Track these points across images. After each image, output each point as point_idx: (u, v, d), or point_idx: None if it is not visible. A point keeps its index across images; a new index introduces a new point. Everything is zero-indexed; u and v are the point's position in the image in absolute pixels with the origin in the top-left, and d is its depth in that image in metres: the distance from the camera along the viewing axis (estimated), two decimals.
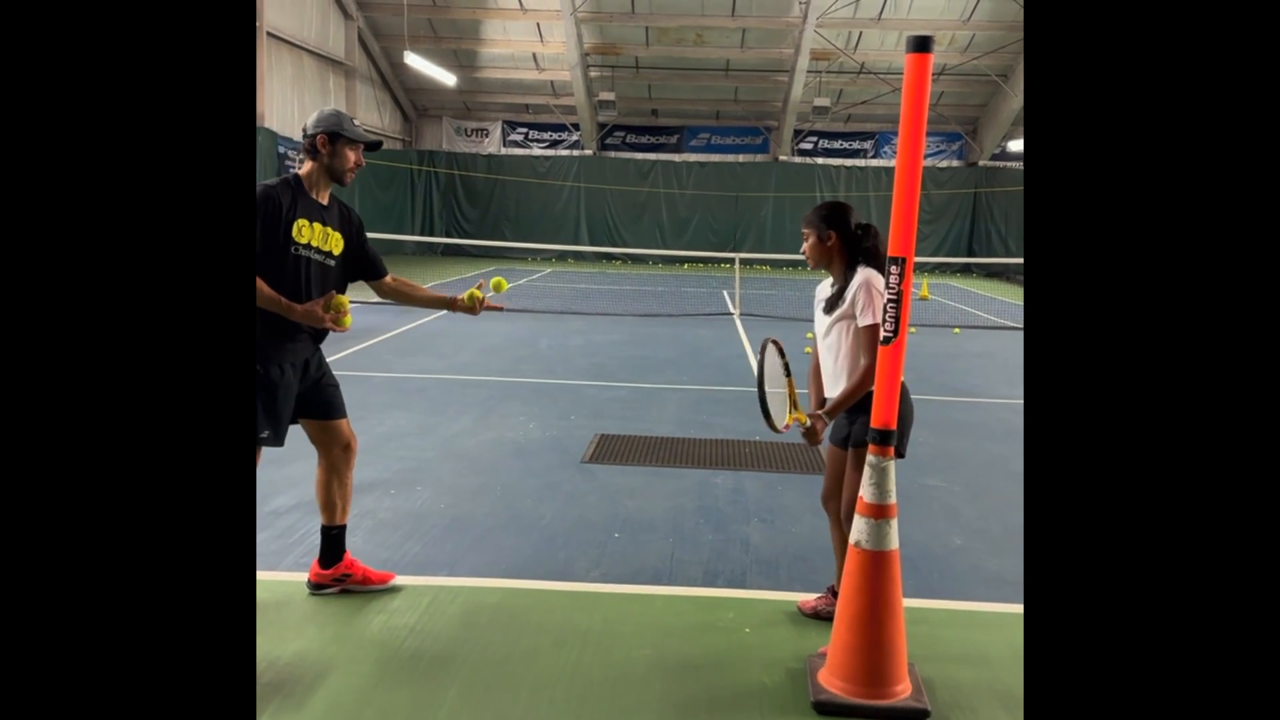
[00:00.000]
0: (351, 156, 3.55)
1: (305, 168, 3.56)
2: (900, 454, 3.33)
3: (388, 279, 3.85)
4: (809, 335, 3.66)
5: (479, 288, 3.81)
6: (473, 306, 3.80)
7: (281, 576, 3.93)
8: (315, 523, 3.78)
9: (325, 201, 3.59)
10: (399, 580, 3.87)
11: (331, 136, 3.51)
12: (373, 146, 3.64)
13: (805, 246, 3.53)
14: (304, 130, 3.57)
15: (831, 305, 3.44)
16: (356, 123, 3.59)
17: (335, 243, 3.60)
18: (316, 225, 3.51)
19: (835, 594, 3.65)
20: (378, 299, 13.75)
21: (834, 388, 3.43)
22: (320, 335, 3.63)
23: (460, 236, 25.35)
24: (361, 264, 3.77)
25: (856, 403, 3.35)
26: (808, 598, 3.77)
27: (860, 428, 3.37)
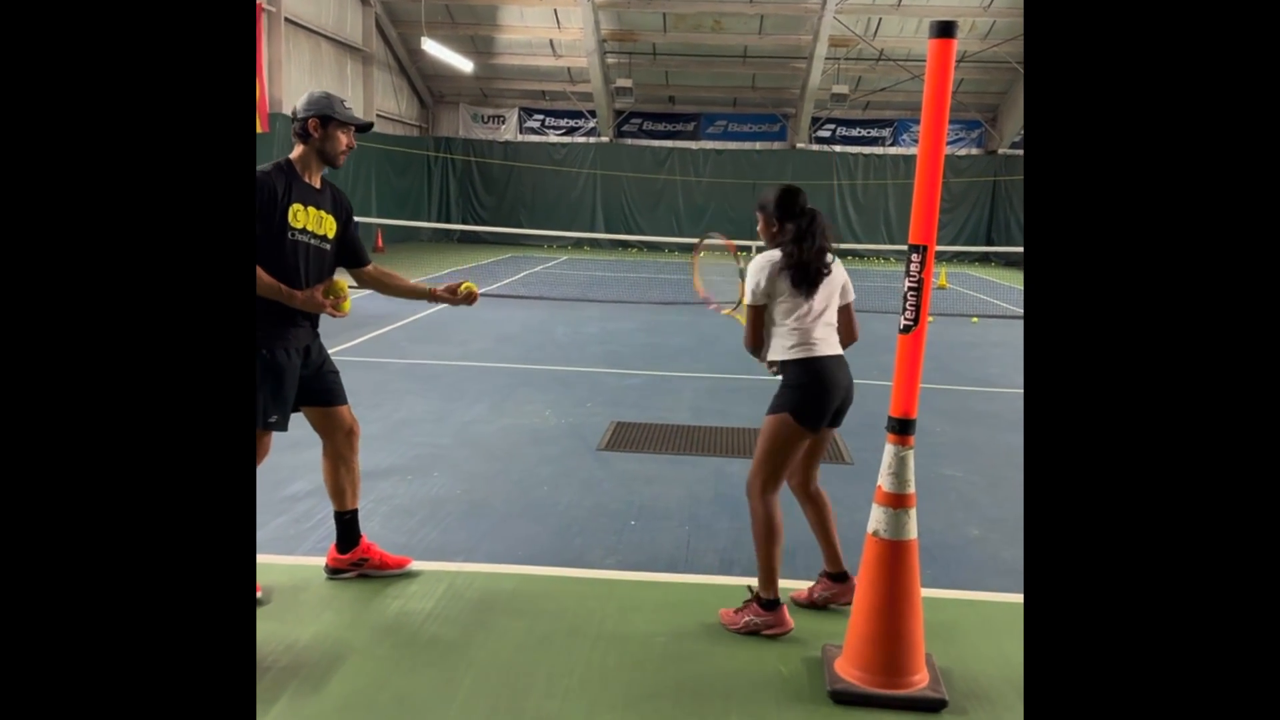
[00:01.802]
0: (343, 139, 3.53)
1: (296, 151, 3.54)
2: (802, 419, 3.42)
3: (369, 268, 3.82)
4: None
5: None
6: (465, 297, 3.80)
7: (299, 561, 3.95)
8: (331, 508, 3.80)
9: (318, 185, 3.57)
10: (415, 565, 3.88)
11: (323, 119, 3.48)
12: (363, 128, 3.62)
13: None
14: (293, 113, 3.54)
15: None
16: (347, 104, 3.57)
17: (329, 226, 3.59)
18: (311, 209, 3.50)
19: (831, 578, 3.68)
20: None
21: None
22: (317, 320, 3.63)
23: (476, 223, 25.37)
24: (346, 249, 3.74)
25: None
26: (802, 592, 3.76)
27: (782, 396, 3.49)
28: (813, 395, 3.40)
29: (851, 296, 3.59)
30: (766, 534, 3.43)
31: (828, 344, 3.46)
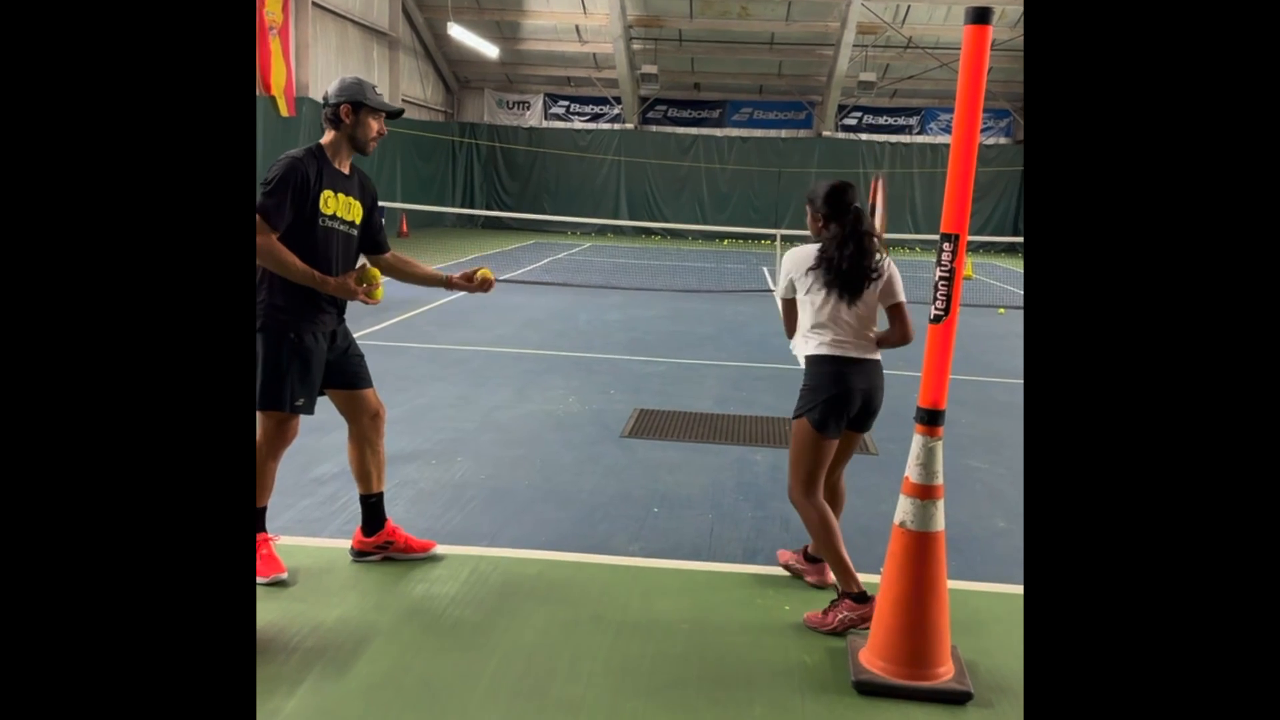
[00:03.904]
0: (374, 125, 3.53)
1: (328, 137, 3.54)
2: (819, 427, 3.43)
3: (388, 255, 3.82)
4: None
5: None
6: (481, 283, 3.78)
7: (325, 543, 3.97)
8: (356, 491, 3.82)
9: (347, 171, 3.58)
10: (440, 549, 3.90)
11: (355, 106, 3.47)
12: (394, 114, 3.62)
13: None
14: (325, 99, 3.54)
15: None
16: (378, 90, 3.57)
17: (356, 212, 3.60)
18: (341, 195, 3.51)
19: (808, 558, 3.79)
20: None
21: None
22: (344, 306, 3.63)
23: (500, 209, 25.41)
24: (369, 235, 3.74)
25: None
26: (787, 551, 3.93)
27: (802, 400, 3.50)
28: (826, 398, 3.41)
29: (899, 298, 3.50)
30: (824, 531, 3.42)
31: (853, 346, 3.44)
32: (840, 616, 3.36)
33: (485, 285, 3.81)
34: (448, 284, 3.81)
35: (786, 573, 3.86)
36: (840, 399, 3.41)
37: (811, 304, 3.46)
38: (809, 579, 3.76)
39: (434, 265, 13.77)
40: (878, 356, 3.51)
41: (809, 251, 3.47)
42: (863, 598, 3.36)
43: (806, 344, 3.50)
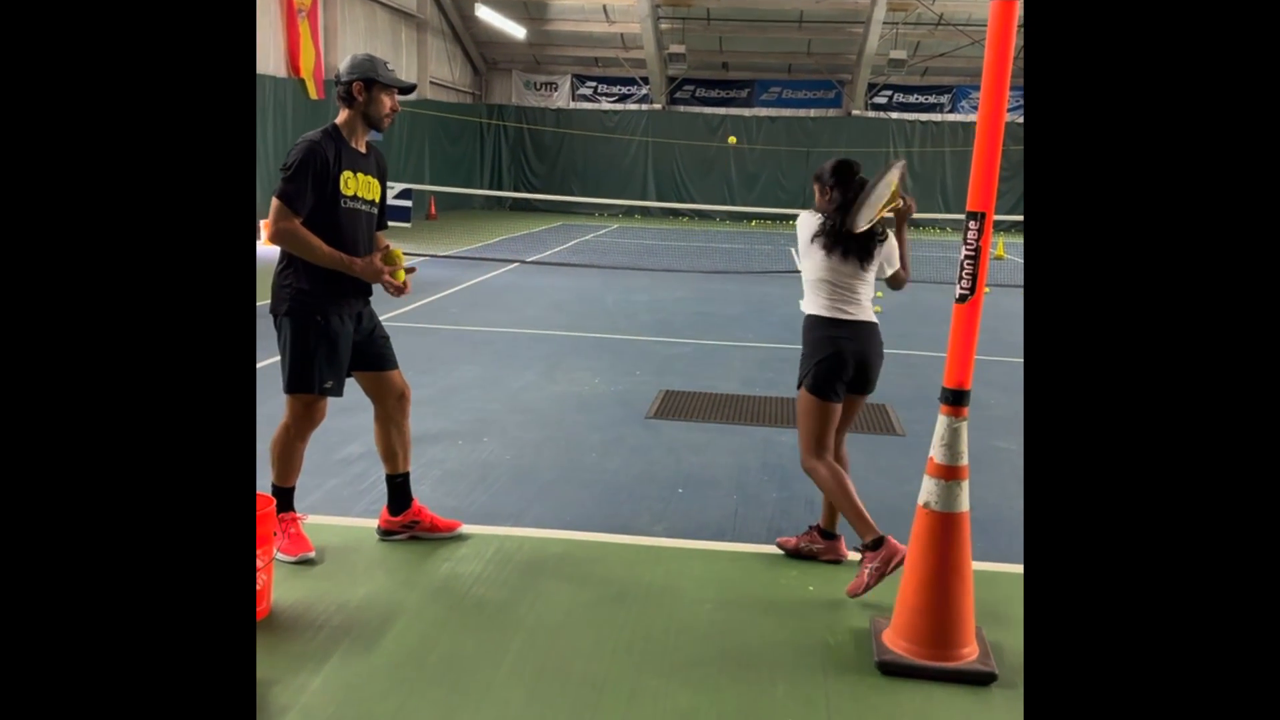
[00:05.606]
0: (388, 102, 3.52)
1: (342, 116, 3.53)
2: (817, 392, 3.54)
3: (379, 234, 3.75)
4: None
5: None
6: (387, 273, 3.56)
7: (352, 522, 4.02)
8: (383, 471, 3.85)
9: (364, 149, 3.58)
10: (465, 529, 3.93)
11: (367, 83, 3.47)
12: (406, 90, 3.61)
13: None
14: (337, 77, 3.54)
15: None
16: (390, 66, 3.57)
17: (375, 190, 3.62)
18: (360, 175, 3.51)
19: (822, 533, 3.79)
20: (446, 253, 13.90)
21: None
22: (370, 289, 3.65)
23: (528, 191, 25.40)
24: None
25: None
26: (790, 538, 3.88)
27: (801, 367, 3.62)
28: (819, 363, 3.53)
29: (892, 269, 3.69)
30: (839, 488, 3.49)
31: (846, 309, 3.56)
32: (868, 570, 3.36)
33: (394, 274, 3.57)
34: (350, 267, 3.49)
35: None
36: (833, 361, 3.52)
37: (811, 263, 3.58)
38: (826, 557, 3.77)
39: (462, 248, 13.61)
40: (870, 318, 3.60)
41: (816, 216, 3.60)
42: (877, 544, 3.37)
43: (805, 303, 3.65)
